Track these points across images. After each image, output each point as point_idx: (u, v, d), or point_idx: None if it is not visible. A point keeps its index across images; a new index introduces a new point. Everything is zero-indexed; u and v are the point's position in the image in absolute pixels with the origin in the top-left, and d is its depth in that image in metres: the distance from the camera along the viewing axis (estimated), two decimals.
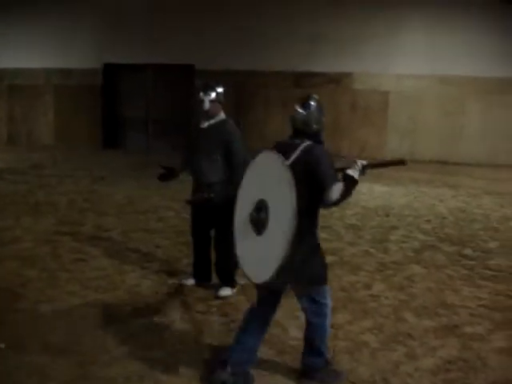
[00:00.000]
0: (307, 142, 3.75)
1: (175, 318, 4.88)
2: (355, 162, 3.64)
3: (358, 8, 15.93)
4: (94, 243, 7.09)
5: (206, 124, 5.35)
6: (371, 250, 7.11)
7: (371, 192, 11.19)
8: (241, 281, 5.44)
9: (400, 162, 3.86)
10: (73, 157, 15.55)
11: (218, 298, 5.36)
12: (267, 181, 3.59)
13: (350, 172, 3.61)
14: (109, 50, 17.14)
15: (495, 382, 3.91)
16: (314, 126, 3.86)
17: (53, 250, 6.83)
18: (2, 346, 4.26)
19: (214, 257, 5.63)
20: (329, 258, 6.56)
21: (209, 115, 5.31)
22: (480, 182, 12.37)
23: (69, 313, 4.94)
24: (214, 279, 5.65)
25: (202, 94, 5.25)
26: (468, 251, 7.14)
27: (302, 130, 3.84)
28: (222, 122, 5.35)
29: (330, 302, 3.93)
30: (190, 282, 5.68)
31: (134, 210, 9.01)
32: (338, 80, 16.49)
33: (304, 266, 3.65)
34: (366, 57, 16.09)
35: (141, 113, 17.70)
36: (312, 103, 3.89)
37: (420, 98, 16.03)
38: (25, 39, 17.82)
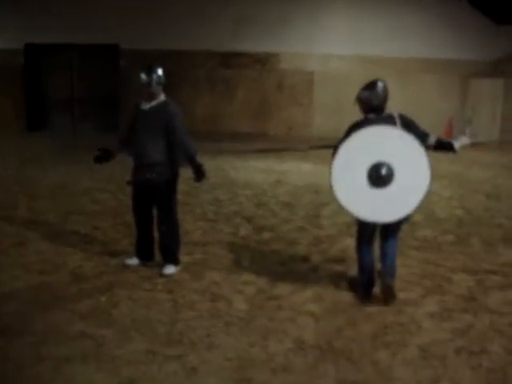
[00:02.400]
0: (394, 112, 4.89)
1: (122, 297, 4.97)
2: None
3: None
4: (31, 227, 7.02)
5: (147, 106, 5.42)
6: (306, 226, 7.38)
7: (300, 170, 11.52)
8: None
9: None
10: None
11: (162, 276, 5.48)
12: (386, 146, 4.69)
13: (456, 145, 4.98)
14: (30, 30, 16.59)
15: (429, 344, 4.24)
16: (385, 103, 4.92)
17: None
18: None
19: (156, 236, 5.73)
20: (266, 234, 6.91)
21: (153, 97, 5.38)
22: None
23: (16, 296, 4.94)
24: (157, 258, 5.75)
25: (145, 76, 5.30)
26: None
27: (380, 106, 4.88)
28: (164, 103, 5.43)
29: None
30: (134, 261, 5.76)
31: (68, 193, 8.93)
32: (264, 60, 16.73)
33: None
34: (292, 37, 16.43)
35: (65, 94, 17.31)
36: (381, 85, 4.93)
37: (344, 77, 16.49)
38: None
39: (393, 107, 5.08)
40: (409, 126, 4.79)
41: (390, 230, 4.97)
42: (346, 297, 5.07)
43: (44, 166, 11.35)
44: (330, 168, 4.81)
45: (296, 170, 11.63)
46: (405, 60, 16.29)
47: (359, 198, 4.79)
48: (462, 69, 16.54)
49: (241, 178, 10.50)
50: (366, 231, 5.02)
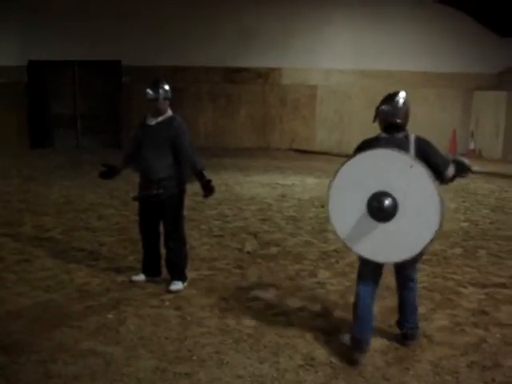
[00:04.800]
0: (412, 135, 4.19)
1: (129, 314, 4.93)
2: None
3: (284, 5, 16.26)
4: (36, 243, 6.99)
5: (154, 121, 5.41)
6: (312, 240, 7.35)
7: (304, 185, 11.50)
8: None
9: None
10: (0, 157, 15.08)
11: (169, 292, 5.44)
12: (393, 174, 3.97)
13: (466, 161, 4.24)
14: (33, 47, 16.67)
15: (441, 359, 4.19)
16: (406, 119, 4.25)
17: None
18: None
19: (163, 252, 5.69)
20: (272, 249, 6.85)
21: (159, 113, 5.37)
22: None
23: (21, 314, 4.89)
24: (164, 274, 5.71)
25: (151, 91, 5.30)
26: None
27: (396, 124, 4.19)
28: (171, 118, 5.42)
29: None
30: (140, 278, 5.72)
31: (73, 209, 8.90)
32: (266, 75, 16.78)
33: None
34: (294, 52, 16.48)
35: (68, 110, 17.37)
36: (401, 96, 4.26)
37: (346, 91, 16.57)
38: None
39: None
40: (425, 152, 4.10)
41: (401, 276, 4.42)
42: None
43: (48, 182, 11.35)
44: (328, 189, 4.25)
45: (300, 183, 11.62)
46: (407, 73, 16.33)
47: (356, 229, 4.12)
48: (465, 81, 16.58)
49: (245, 193, 10.48)
50: (365, 268, 4.31)
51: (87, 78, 17.18)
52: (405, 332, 4.43)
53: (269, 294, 5.42)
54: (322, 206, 9.32)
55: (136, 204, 5.77)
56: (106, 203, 9.27)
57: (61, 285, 5.63)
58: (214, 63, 16.49)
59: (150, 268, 5.75)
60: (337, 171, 4.15)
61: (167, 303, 5.19)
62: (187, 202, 5.83)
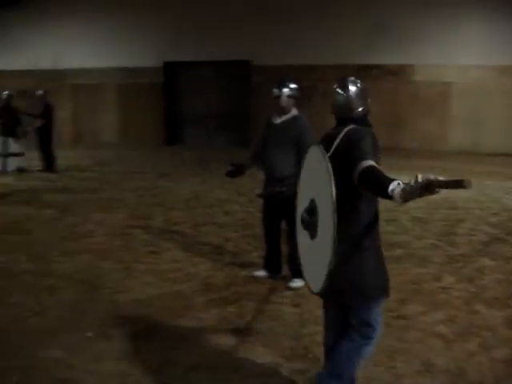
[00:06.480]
0: (350, 126, 3.26)
1: (249, 308, 5.03)
2: (416, 177, 2.54)
3: (419, 1, 15.81)
4: (165, 237, 7.33)
5: (278, 120, 5.48)
6: (439, 243, 7.11)
7: None
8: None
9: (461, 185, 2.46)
10: (136, 154, 15.97)
11: (289, 289, 5.49)
12: (315, 178, 3.09)
13: (392, 186, 2.66)
14: (169, 49, 17.48)
15: None
16: (359, 110, 3.35)
17: (125, 243, 7.11)
18: (90, 334, 4.49)
19: (285, 249, 5.75)
20: (396, 251, 6.70)
21: (284, 111, 5.43)
22: None
23: (147, 303, 5.15)
24: (285, 271, 5.77)
25: (277, 89, 5.37)
26: None
27: (345, 116, 3.35)
28: (295, 117, 5.46)
29: (379, 329, 3.41)
30: (262, 273, 5.82)
31: (201, 205, 9.24)
32: (398, 72, 16.41)
33: (345, 271, 3.16)
34: (427, 48, 15.95)
35: (200, 109, 18.04)
36: (351, 84, 3.40)
37: (483, 88, 15.80)
38: (89, 39, 18.37)
39: None
40: (347, 147, 3.12)
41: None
42: (480, 320, 4.80)
43: (179, 177, 11.87)
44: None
45: None
46: None
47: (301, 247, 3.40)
48: None
49: None
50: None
51: (219, 78, 17.75)
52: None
53: (390, 297, 5.30)
54: (452, 208, 9.01)
55: (260, 201, 5.88)
56: (233, 199, 9.53)
57: (187, 277, 5.86)
58: (344, 61, 16.36)
59: (272, 264, 5.83)
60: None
61: (286, 300, 5.24)
62: None
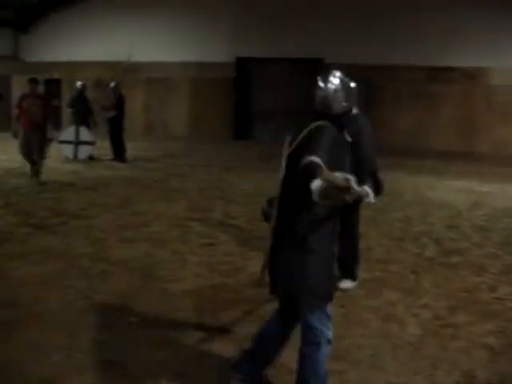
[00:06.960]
0: (318, 122, 3.15)
1: None
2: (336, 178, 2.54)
3: (493, 3, 15.31)
4: (222, 229, 7.42)
5: None
6: (498, 252, 6.89)
7: (503, 192, 10.78)
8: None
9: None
10: (205, 147, 16.20)
11: (337, 289, 5.44)
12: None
13: (315, 183, 2.63)
14: (241, 44, 17.62)
15: None
16: (338, 107, 3.25)
17: (183, 234, 7.24)
18: (134, 320, 4.62)
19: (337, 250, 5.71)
20: (454, 258, 6.53)
21: None
22: None
23: (196, 294, 5.24)
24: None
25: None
26: None
27: (322, 111, 3.27)
28: (354, 117, 5.40)
29: (328, 331, 3.32)
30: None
31: (261, 200, 9.22)
32: (473, 75, 15.93)
33: (288, 272, 3.19)
34: (504, 51, 15.40)
35: (271, 105, 18.09)
36: (333, 79, 3.28)
37: None
38: (164, 34, 18.74)
39: None
40: (305, 144, 3.06)
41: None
42: None
43: (244, 172, 11.98)
44: None
45: (499, 191, 10.91)
46: None
47: None
48: None
49: (436, 198, 10.11)
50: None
51: (290, 75, 17.73)
52: None
53: (439, 304, 5.19)
54: None
55: None
56: None
57: (235, 271, 5.92)
58: (417, 62, 16.02)
59: None
60: None
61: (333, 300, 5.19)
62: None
